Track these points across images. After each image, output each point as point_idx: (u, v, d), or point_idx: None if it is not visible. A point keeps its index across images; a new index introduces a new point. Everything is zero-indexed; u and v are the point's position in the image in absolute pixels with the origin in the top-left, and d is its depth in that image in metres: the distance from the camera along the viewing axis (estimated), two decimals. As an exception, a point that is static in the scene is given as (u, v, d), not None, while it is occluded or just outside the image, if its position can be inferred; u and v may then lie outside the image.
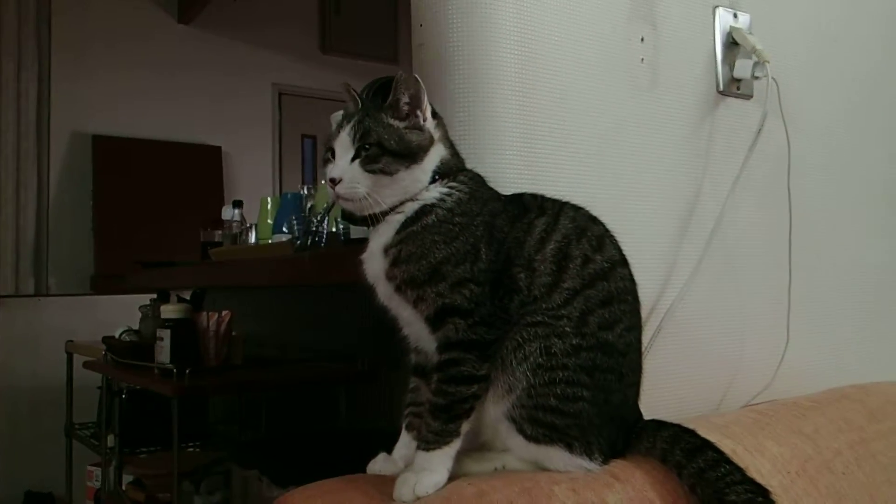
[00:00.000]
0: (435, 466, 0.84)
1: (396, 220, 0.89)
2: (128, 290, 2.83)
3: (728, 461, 0.87)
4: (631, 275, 0.94)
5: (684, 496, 0.88)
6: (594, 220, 0.95)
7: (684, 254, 1.28)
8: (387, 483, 0.85)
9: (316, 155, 4.85)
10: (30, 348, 3.65)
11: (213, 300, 2.48)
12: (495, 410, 0.87)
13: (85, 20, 4.11)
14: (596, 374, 0.87)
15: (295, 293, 2.29)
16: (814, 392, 1.30)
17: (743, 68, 1.36)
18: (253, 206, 2.43)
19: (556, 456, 0.87)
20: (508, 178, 1.05)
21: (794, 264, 1.39)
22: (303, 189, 2.16)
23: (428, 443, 0.85)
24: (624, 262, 0.94)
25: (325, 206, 1.90)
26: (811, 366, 1.43)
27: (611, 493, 0.86)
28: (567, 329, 0.86)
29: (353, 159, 0.88)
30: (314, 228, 1.90)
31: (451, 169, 0.92)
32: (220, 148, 4.47)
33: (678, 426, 0.92)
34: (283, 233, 2.05)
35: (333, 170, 0.88)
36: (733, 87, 1.37)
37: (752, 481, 0.86)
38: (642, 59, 1.25)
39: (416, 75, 0.90)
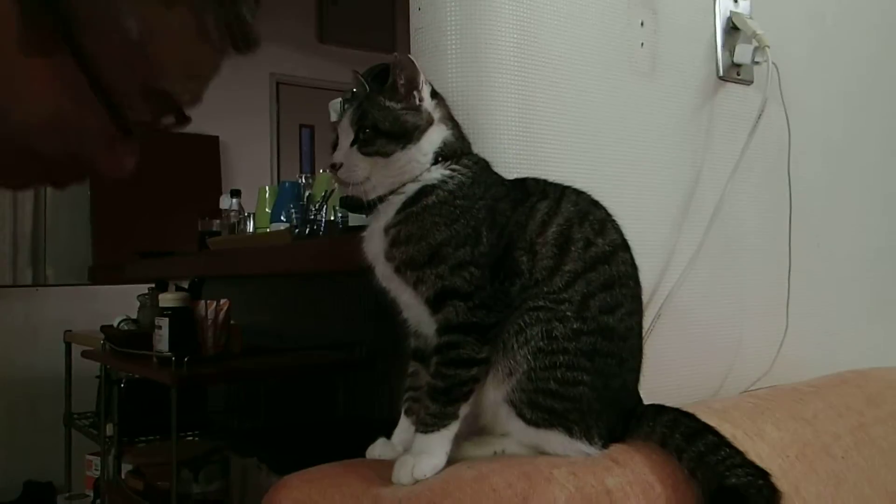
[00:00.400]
0: (433, 449, 0.84)
1: (398, 199, 0.88)
2: (126, 279, 2.83)
3: (728, 444, 0.87)
4: (632, 259, 0.94)
5: (684, 480, 0.88)
6: (596, 205, 0.94)
7: (684, 240, 1.28)
8: (385, 467, 0.85)
9: (314, 144, 4.84)
10: (28, 338, 3.65)
11: (212, 289, 2.47)
12: (495, 394, 0.87)
13: (81, 9, 4.09)
14: (596, 358, 0.87)
15: (293, 282, 2.29)
16: (813, 377, 1.30)
17: (743, 53, 1.35)
18: (251, 196, 2.43)
19: (555, 440, 0.87)
20: (506, 162, 1.04)
21: (793, 250, 1.39)
22: (301, 178, 2.16)
23: (426, 425, 0.85)
24: (626, 247, 0.93)
25: (322, 194, 1.90)
26: (810, 352, 1.43)
27: (610, 477, 0.86)
28: (568, 313, 0.86)
29: (352, 143, 0.88)
30: (312, 217, 1.90)
31: (455, 151, 0.91)
32: (217, 138, 4.44)
33: (678, 410, 0.92)
34: (282, 221, 2.05)
35: (335, 155, 0.89)
36: (733, 73, 1.37)
37: (751, 464, 0.85)
38: (642, 44, 1.25)
39: (412, 56, 0.90)
